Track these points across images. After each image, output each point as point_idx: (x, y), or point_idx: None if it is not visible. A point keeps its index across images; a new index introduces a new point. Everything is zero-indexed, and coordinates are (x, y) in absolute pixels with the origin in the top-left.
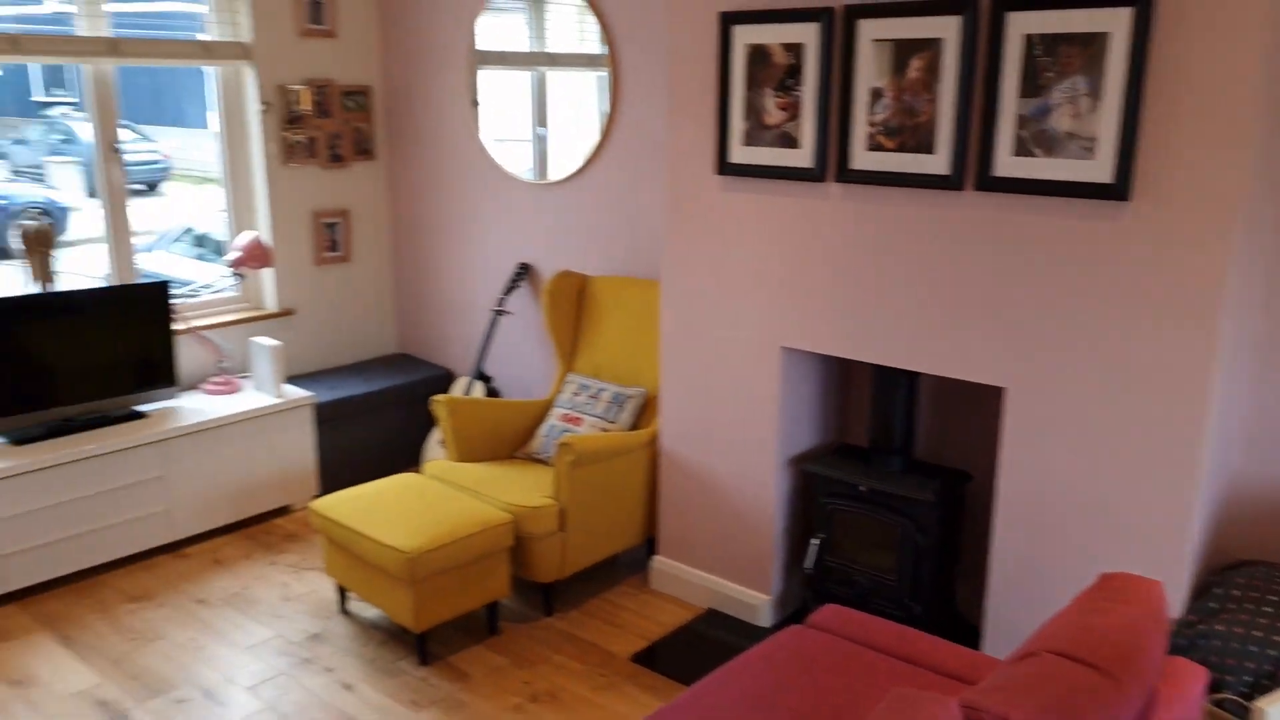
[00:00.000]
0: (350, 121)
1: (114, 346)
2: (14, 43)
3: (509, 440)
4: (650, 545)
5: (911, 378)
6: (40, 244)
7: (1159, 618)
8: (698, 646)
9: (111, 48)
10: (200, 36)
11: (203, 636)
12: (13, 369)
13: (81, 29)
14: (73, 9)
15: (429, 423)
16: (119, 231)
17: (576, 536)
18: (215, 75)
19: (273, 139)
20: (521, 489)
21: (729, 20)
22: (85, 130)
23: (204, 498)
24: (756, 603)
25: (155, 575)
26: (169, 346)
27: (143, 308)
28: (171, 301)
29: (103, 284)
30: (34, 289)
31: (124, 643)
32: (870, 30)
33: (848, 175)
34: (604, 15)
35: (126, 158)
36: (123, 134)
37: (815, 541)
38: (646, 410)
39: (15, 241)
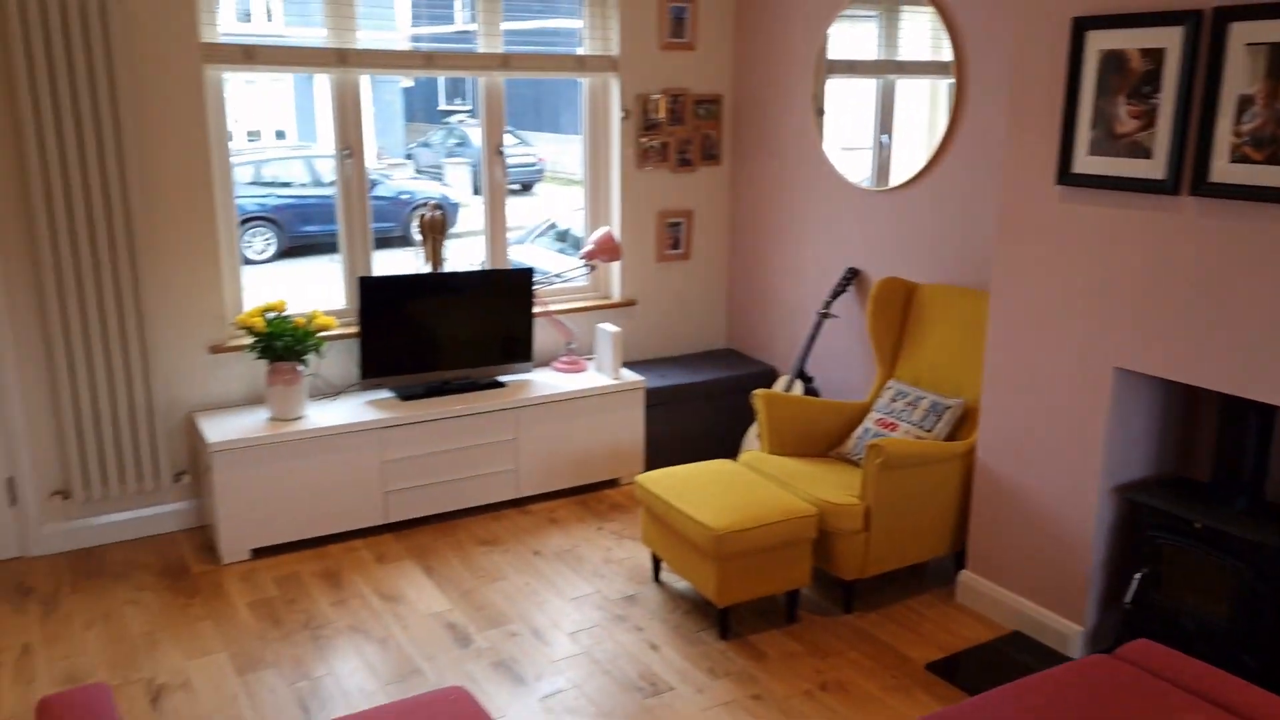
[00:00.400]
0: (700, 128)
1: (485, 323)
2: (428, 59)
3: (822, 439)
4: (958, 558)
5: (1266, 411)
6: (434, 231)
7: None
8: (998, 666)
9: (503, 62)
10: (578, 51)
11: (535, 583)
12: (406, 336)
13: (480, 46)
14: (474, 28)
15: (749, 416)
16: (496, 224)
17: (880, 538)
18: (584, 86)
19: (630, 144)
20: (830, 486)
21: (1083, 25)
22: (477, 135)
23: (546, 463)
24: (1068, 632)
25: (501, 525)
26: (529, 326)
27: (510, 291)
28: (534, 287)
29: (479, 269)
30: (427, 270)
31: (473, 578)
32: (1243, 34)
33: (1205, 188)
34: (953, 22)
35: (508, 160)
36: (506, 139)
37: (1138, 576)
38: (966, 422)
39: (415, 230)
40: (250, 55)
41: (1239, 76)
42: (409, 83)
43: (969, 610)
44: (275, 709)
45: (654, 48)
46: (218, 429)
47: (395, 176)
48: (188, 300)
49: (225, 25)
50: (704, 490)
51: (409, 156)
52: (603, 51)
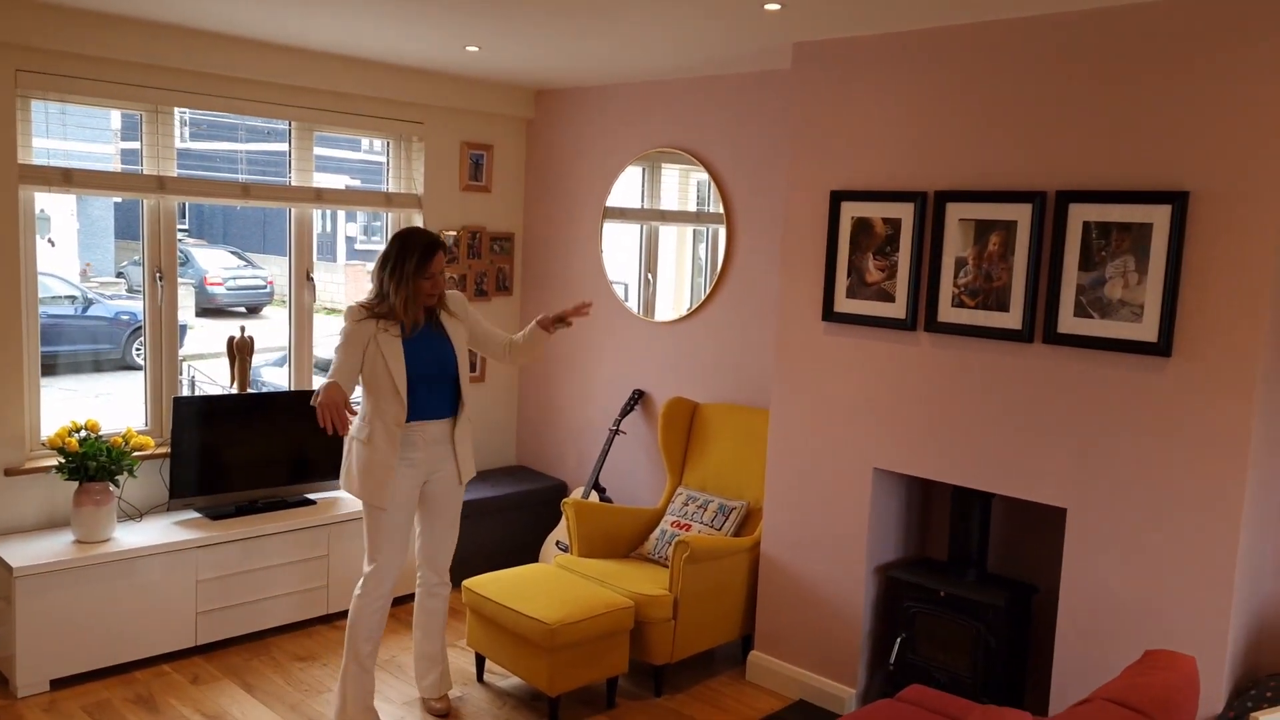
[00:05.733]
0: (495, 262)
1: (294, 442)
2: (245, 190)
3: (624, 541)
4: (745, 642)
5: (986, 499)
6: (243, 353)
7: (1193, 683)
8: None
9: (317, 196)
10: (383, 188)
11: None
12: (216, 455)
13: (294, 179)
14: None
15: (545, 526)
16: (302, 347)
17: (687, 625)
18: (389, 219)
19: None
20: (639, 581)
21: (839, 197)
22: (200, 255)
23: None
24: (843, 695)
25: (315, 641)
26: (337, 445)
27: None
28: None
29: (288, 390)
30: (234, 390)
31: (296, 693)
32: (957, 211)
33: (935, 326)
34: (724, 185)
35: (234, 283)
36: (232, 260)
37: (900, 639)
38: (748, 521)
39: (135, 354)
40: (68, 178)
41: (955, 242)
42: (119, 198)
43: (759, 686)
44: None
45: (455, 189)
46: (20, 554)
47: (108, 295)
48: None
49: (36, 141)
50: (530, 590)
51: (120, 274)
52: (408, 190)
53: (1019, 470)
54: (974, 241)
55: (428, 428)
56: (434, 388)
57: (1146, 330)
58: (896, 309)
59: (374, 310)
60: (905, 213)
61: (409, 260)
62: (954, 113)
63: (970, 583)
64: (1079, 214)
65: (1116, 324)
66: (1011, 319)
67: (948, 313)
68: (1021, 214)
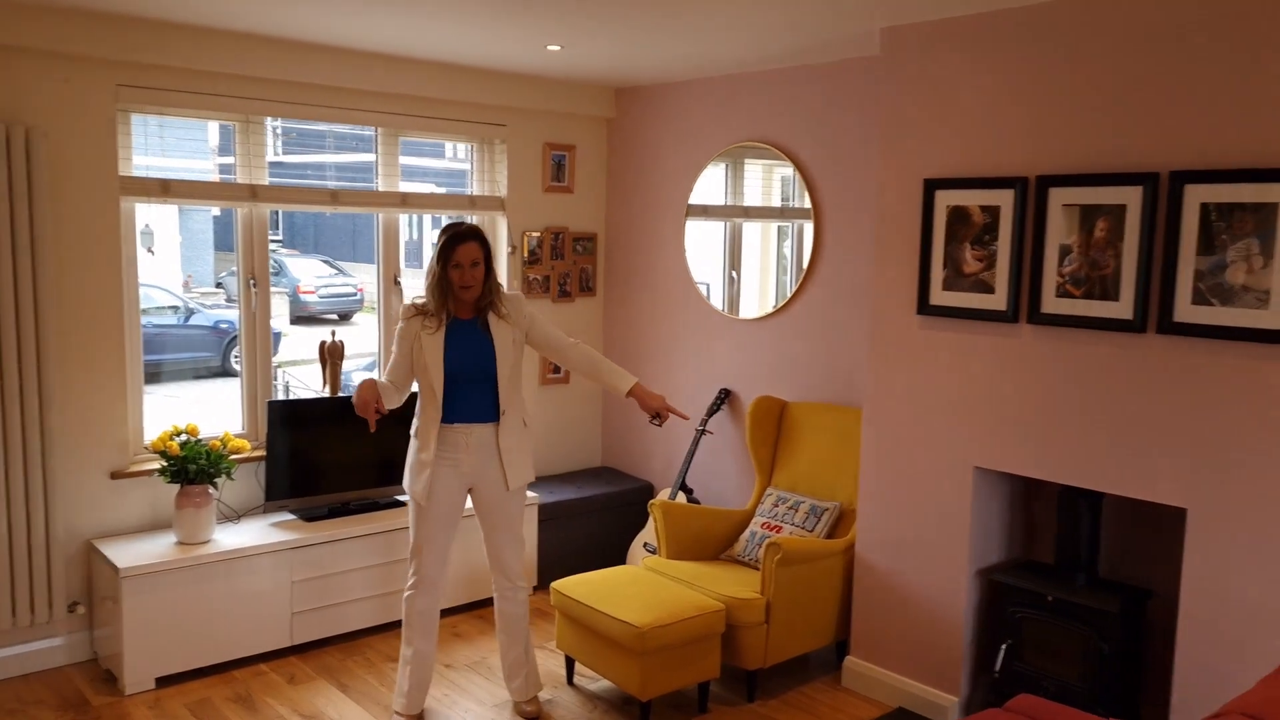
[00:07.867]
0: (578, 263)
1: (384, 444)
2: (334, 196)
3: (713, 543)
4: (840, 647)
5: (1096, 498)
6: (334, 357)
7: None
8: None
9: (402, 200)
10: (466, 191)
11: (453, 694)
12: (310, 457)
13: (380, 185)
14: (377, 165)
15: (632, 528)
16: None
17: (779, 629)
18: (473, 222)
19: (515, 276)
20: (730, 584)
21: (933, 186)
22: (293, 265)
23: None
24: (945, 704)
25: None
26: None
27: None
28: None
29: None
30: (325, 394)
31: (389, 693)
32: (1060, 197)
33: (1038, 318)
34: (811, 178)
35: (326, 290)
36: (324, 269)
37: (1005, 646)
38: (841, 522)
39: (233, 360)
40: (166, 189)
41: (1059, 229)
42: (217, 211)
43: (855, 693)
44: None
45: (537, 191)
46: (125, 555)
47: (208, 305)
48: (94, 427)
49: (138, 158)
50: (619, 592)
51: (219, 285)
52: (491, 192)
53: (1133, 468)
54: (1079, 228)
55: (472, 431)
56: (473, 389)
57: (1274, 317)
58: (996, 300)
59: (421, 308)
60: (1004, 200)
61: (437, 251)
62: (1055, 93)
63: (1080, 587)
64: (1195, 195)
65: (1239, 311)
66: (1122, 308)
67: (1051, 303)
68: (1131, 197)
